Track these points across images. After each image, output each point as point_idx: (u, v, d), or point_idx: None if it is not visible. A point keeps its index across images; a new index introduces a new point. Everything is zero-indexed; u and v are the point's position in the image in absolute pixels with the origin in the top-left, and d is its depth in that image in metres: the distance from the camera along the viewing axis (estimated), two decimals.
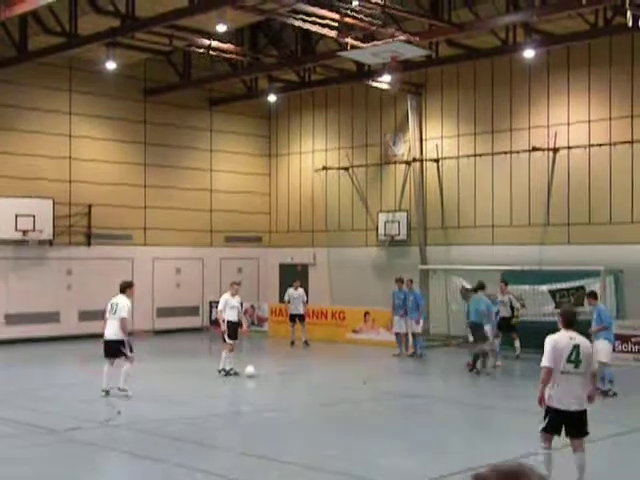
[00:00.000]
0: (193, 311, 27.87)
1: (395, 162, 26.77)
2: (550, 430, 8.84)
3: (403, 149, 26.58)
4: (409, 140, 26.27)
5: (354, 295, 26.74)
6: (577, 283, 20.84)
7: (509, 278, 22.61)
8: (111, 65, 22.46)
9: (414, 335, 21.18)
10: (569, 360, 8.58)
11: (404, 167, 26.57)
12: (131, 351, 15.36)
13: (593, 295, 16.13)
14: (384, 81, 23.89)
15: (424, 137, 26.16)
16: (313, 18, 19.05)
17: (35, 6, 18.76)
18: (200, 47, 22.66)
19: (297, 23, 19.49)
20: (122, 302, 15.57)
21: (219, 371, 17.44)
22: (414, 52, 19.71)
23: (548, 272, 21.62)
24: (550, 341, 8.75)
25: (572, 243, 22.69)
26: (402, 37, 18.99)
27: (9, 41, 22.55)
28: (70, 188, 25.39)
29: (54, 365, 20.00)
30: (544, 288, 21.47)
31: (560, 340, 8.73)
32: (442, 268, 24.50)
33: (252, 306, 27.39)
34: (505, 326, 20.56)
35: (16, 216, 23.45)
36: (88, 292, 25.40)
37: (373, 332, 23.99)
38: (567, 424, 8.75)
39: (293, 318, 23.89)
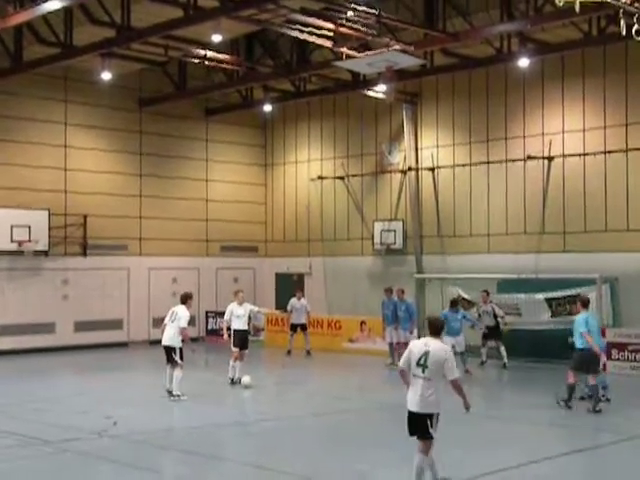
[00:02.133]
0: (190, 321, 27.71)
1: (391, 171, 26.80)
2: (409, 430, 9.16)
3: (398, 158, 26.61)
4: (404, 149, 26.30)
5: (350, 304, 26.73)
6: (573, 291, 20.83)
7: (505, 286, 22.66)
8: (107, 75, 22.47)
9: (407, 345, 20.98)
10: (418, 364, 9.02)
11: (400, 176, 26.59)
12: (181, 359, 15.95)
13: (582, 303, 16.10)
14: (379, 90, 23.93)
15: (419, 146, 26.19)
16: (309, 28, 19.10)
17: (30, 17, 18.78)
18: (195, 57, 22.68)
19: (292, 33, 19.53)
20: (181, 312, 16.40)
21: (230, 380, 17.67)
22: (409, 61, 19.75)
23: (544, 280, 21.63)
24: (410, 345, 9.38)
25: (568, 251, 22.71)
26: (397, 47, 19.02)
27: (4, 51, 22.55)
28: (66, 198, 25.38)
29: (50, 376, 19.94)
30: (540, 296, 21.47)
31: (416, 345, 9.24)
32: (438, 277, 24.50)
33: (248, 316, 27.32)
34: (491, 335, 20.87)
35: (12, 227, 23.42)
36: (84, 302, 25.37)
37: (369, 341, 23.96)
38: (414, 425, 9.10)
39: (295, 327, 23.87)
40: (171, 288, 27.55)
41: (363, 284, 27.11)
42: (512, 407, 15.98)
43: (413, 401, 9.07)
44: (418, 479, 9.12)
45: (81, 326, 25.39)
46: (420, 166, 26.05)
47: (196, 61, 23.09)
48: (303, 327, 23.91)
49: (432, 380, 9.01)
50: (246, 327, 18.44)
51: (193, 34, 20.92)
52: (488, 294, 21.11)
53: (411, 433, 9.17)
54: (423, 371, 9.00)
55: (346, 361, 22.75)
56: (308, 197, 29.09)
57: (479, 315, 21.22)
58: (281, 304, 26.43)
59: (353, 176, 27.74)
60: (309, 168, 29.17)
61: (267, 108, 27.23)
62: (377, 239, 26.65)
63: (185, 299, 16.70)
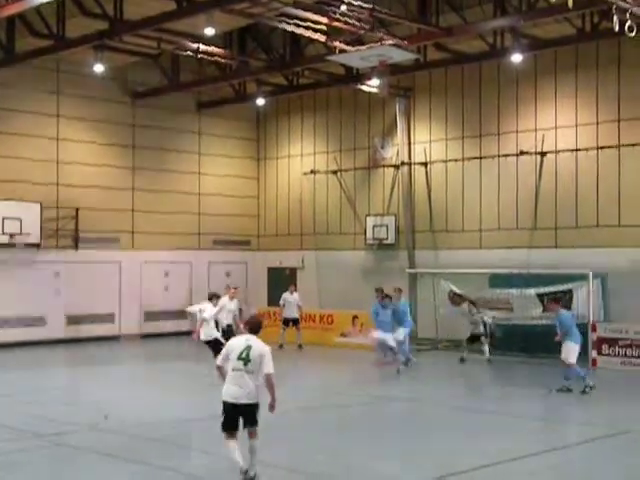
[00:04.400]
0: (181, 315, 27.74)
1: (383, 166, 26.80)
2: (226, 425, 9.49)
3: (391, 153, 26.61)
4: (397, 144, 26.30)
5: (342, 299, 26.73)
6: (564, 286, 20.90)
7: (497, 281, 22.69)
8: (99, 68, 22.39)
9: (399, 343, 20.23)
10: (240, 358, 9.39)
11: (392, 171, 26.60)
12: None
13: (555, 300, 17.04)
14: (372, 85, 23.91)
15: (412, 141, 26.20)
16: (302, 22, 19.07)
17: (23, 8, 18.70)
18: (188, 50, 22.61)
19: (286, 27, 19.50)
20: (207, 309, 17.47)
21: None
22: (402, 56, 19.74)
23: (535, 275, 21.68)
24: (229, 342, 9.77)
25: (559, 247, 22.77)
26: (390, 41, 19.01)
27: None
28: (57, 191, 25.31)
29: (41, 369, 19.91)
30: (532, 292, 21.51)
31: (237, 341, 9.65)
32: (430, 272, 24.53)
33: (240, 309, 27.32)
34: (474, 339, 21.03)
35: (3, 219, 23.35)
36: (75, 296, 25.31)
37: (361, 336, 23.96)
38: (242, 416, 9.46)
39: (287, 322, 23.90)
40: (163, 282, 27.55)
41: (355, 278, 27.12)
42: (497, 400, 16.02)
43: (239, 394, 9.38)
44: (250, 459, 9.51)
45: (73, 319, 25.35)
46: (413, 161, 26.06)
47: (189, 54, 23.02)
48: (295, 321, 23.94)
49: (254, 373, 9.41)
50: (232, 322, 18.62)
51: (186, 27, 20.86)
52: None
53: (235, 425, 9.46)
54: (245, 364, 9.39)
55: (338, 355, 22.78)
56: (301, 191, 29.08)
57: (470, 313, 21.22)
58: (273, 298, 26.44)
59: (346, 170, 27.74)
60: (302, 162, 29.16)
61: (260, 102, 27.18)
62: (369, 234, 26.66)
63: (211, 297, 17.96)
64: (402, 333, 19.91)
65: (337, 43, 19.62)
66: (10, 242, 23.62)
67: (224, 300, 18.63)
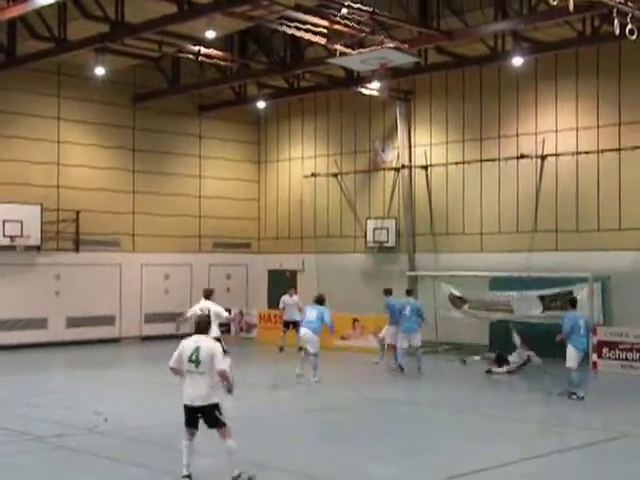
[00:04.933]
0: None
1: (384, 169, 26.81)
2: (187, 424, 9.63)
3: (392, 156, 26.62)
4: (398, 147, 26.31)
5: (342, 302, 26.69)
6: (565, 289, 20.89)
7: (497, 285, 22.69)
8: (100, 71, 22.43)
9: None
10: (190, 360, 9.53)
11: (393, 174, 26.61)
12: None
13: (569, 301, 16.87)
14: (373, 88, 23.93)
15: (413, 144, 26.21)
16: (302, 25, 19.08)
17: (24, 11, 18.72)
18: (189, 53, 22.64)
19: (286, 30, 19.51)
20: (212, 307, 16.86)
21: None
22: (403, 59, 19.76)
23: (536, 279, 21.67)
24: (180, 345, 9.76)
25: (560, 250, 22.76)
26: (391, 44, 19.02)
27: None
28: (58, 194, 25.33)
29: (41, 372, 19.91)
30: (533, 293, 21.50)
31: (187, 343, 9.73)
32: (431, 275, 24.52)
33: (241, 312, 27.36)
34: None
35: (4, 222, 23.38)
36: (76, 298, 25.32)
37: (362, 339, 23.97)
38: (202, 417, 9.59)
39: (287, 324, 23.82)
40: (163, 284, 27.55)
41: (356, 281, 27.12)
42: (497, 404, 16.01)
43: (194, 396, 9.50)
44: (229, 460, 9.54)
45: (73, 322, 25.35)
46: (413, 164, 26.07)
47: (190, 57, 23.05)
48: (295, 324, 23.88)
49: (207, 373, 9.50)
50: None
51: (187, 30, 20.89)
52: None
53: (195, 425, 9.63)
54: (196, 366, 9.51)
55: (338, 358, 22.76)
56: (301, 194, 29.09)
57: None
58: (273, 300, 26.40)
59: (346, 173, 27.75)
60: (302, 165, 29.17)
61: (260, 105, 27.21)
62: (370, 237, 26.66)
63: (210, 294, 17.50)
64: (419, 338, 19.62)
65: (338, 46, 19.61)
66: (11, 244, 23.64)
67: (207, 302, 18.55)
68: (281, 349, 23.16)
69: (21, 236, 23.63)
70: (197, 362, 9.50)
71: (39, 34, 21.41)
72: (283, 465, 10.63)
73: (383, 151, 26.76)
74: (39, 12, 20.16)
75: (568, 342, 15.98)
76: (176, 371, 9.73)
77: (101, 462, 10.86)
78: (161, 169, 27.83)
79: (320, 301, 18.65)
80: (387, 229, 26.33)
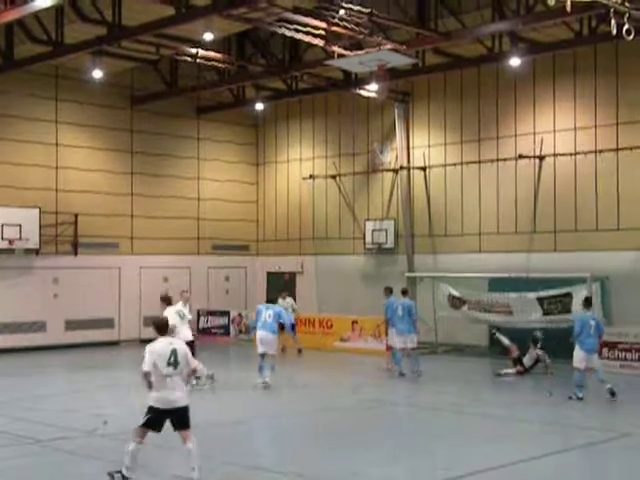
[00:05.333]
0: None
1: (382, 170, 26.81)
2: (151, 426, 9.62)
3: (390, 157, 26.62)
4: (396, 148, 26.32)
5: (341, 303, 26.74)
6: (564, 290, 20.89)
7: (496, 285, 22.69)
8: (98, 74, 22.41)
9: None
10: (169, 363, 9.52)
11: (391, 175, 26.61)
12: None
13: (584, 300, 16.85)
14: (371, 89, 23.94)
15: (411, 145, 26.22)
16: (300, 27, 19.08)
17: (21, 14, 18.70)
18: (187, 55, 22.64)
19: (284, 32, 19.51)
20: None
21: None
22: (401, 60, 19.77)
23: (535, 279, 21.67)
24: (150, 348, 9.60)
25: (559, 250, 22.77)
26: (389, 46, 19.04)
27: None
28: (57, 197, 25.31)
29: (40, 375, 19.89)
30: (531, 295, 21.49)
31: (159, 346, 9.62)
32: (429, 276, 24.52)
33: (240, 314, 27.35)
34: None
35: (2, 225, 23.37)
36: (74, 301, 25.29)
37: (361, 340, 23.96)
38: (173, 419, 9.60)
39: (282, 327, 23.79)
40: (162, 287, 27.48)
41: (355, 283, 27.12)
42: (498, 405, 16.00)
43: (176, 398, 9.55)
44: (194, 462, 9.51)
45: (72, 325, 25.32)
46: (412, 165, 26.08)
47: (188, 59, 23.05)
48: (291, 327, 23.83)
49: (182, 373, 9.67)
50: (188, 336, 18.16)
51: (185, 32, 20.88)
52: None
53: (159, 428, 9.65)
54: (175, 368, 9.56)
55: (337, 360, 22.76)
56: (300, 196, 29.08)
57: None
58: (273, 303, 26.23)
59: (345, 175, 27.75)
60: (301, 167, 29.17)
61: (259, 107, 27.22)
62: (369, 238, 26.66)
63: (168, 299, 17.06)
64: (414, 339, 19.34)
65: (336, 48, 19.62)
66: (9, 248, 23.63)
67: (179, 305, 18.46)
68: (283, 349, 23.08)
69: (20, 239, 23.62)
70: (176, 364, 9.56)
71: (36, 37, 21.40)
72: (279, 467, 10.61)
73: (381, 153, 26.76)
74: (36, 15, 20.13)
75: (576, 342, 15.97)
76: (150, 376, 9.55)
77: (101, 465, 10.84)
78: (159, 171, 27.82)
79: (273, 301, 18.53)
80: (386, 230, 26.33)
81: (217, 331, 27.65)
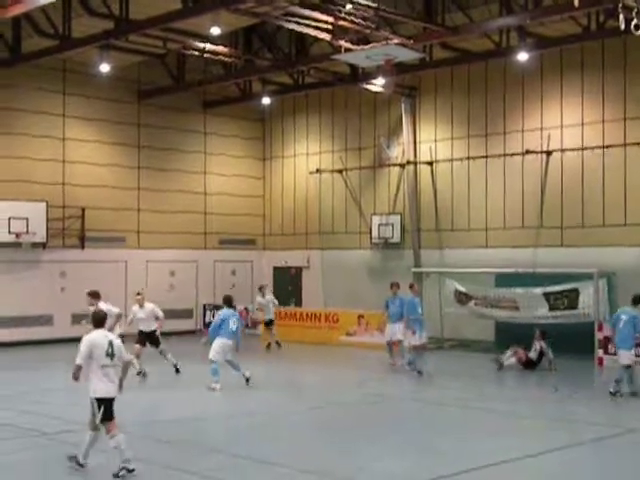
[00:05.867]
0: (187, 314, 27.81)
1: (389, 165, 26.78)
2: (109, 417, 9.92)
3: (397, 152, 26.59)
4: (403, 143, 26.28)
5: (347, 298, 26.73)
6: (570, 286, 20.86)
7: (502, 281, 22.66)
8: (105, 68, 22.44)
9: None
10: (107, 354, 9.86)
11: (398, 170, 26.58)
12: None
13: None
14: (378, 84, 23.91)
15: (418, 140, 26.18)
16: (307, 21, 19.07)
17: (29, 8, 18.74)
18: (194, 50, 22.65)
19: (291, 26, 19.51)
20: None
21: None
22: (408, 55, 19.73)
23: (542, 275, 21.63)
24: (87, 340, 9.89)
25: (565, 245, 22.72)
26: (396, 40, 19.01)
27: (2, 43, 22.51)
28: (63, 191, 25.36)
29: (47, 368, 19.91)
30: (538, 291, 21.45)
31: (97, 338, 9.93)
32: (436, 271, 24.50)
33: (246, 309, 27.36)
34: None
35: (9, 219, 23.41)
36: (81, 295, 25.22)
37: (367, 335, 23.97)
38: (111, 408, 9.96)
39: (267, 323, 23.81)
40: (169, 281, 27.57)
41: (361, 278, 27.11)
42: (504, 400, 15.99)
43: (112, 389, 9.92)
44: (122, 457, 9.79)
45: (79, 318, 25.30)
46: (418, 160, 26.04)
47: (195, 54, 23.06)
48: (271, 322, 23.83)
49: (117, 366, 9.98)
50: (150, 328, 18.14)
51: (192, 27, 20.88)
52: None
53: (110, 418, 9.92)
54: (112, 359, 9.89)
55: (343, 354, 22.77)
56: (306, 190, 29.08)
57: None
58: (279, 297, 26.31)
59: (351, 170, 27.74)
60: (307, 161, 29.15)
61: (265, 101, 27.21)
62: (375, 233, 26.65)
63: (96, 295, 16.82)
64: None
65: (343, 42, 19.60)
66: (16, 241, 23.68)
67: (134, 309, 18.35)
68: (268, 346, 23.06)
69: (27, 233, 23.67)
70: (112, 355, 9.88)
71: (44, 31, 21.43)
72: (285, 461, 10.61)
73: (388, 147, 26.74)
74: (44, 9, 20.19)
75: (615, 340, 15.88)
76: (81, 370, 9.85)
77: (105, 457, 10.88)
78: (166, 166, 27.85)
79: (230, 301, 17.18)
80: (392, 225, 26.32)
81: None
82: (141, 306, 18.28)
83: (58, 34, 21.14)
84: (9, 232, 23.42)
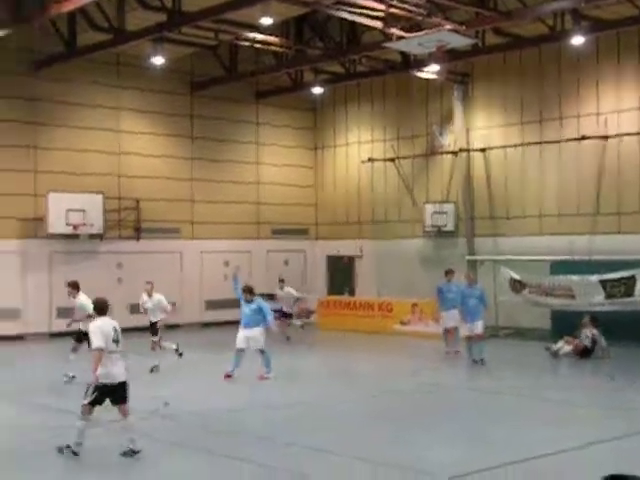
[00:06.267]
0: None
1: (441, 153, 26.60)
2: (96, 403, 10.23)
3: (449, 139, 26.39)
4: (455, 130, 26.07)
5: (401, 287, 26.66)
6: (628, 273, 20.47)
7: (558, 268, 22.36)
8: (158, 60, 22.65)
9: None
10: (114, 340, 10.35)
11: (450, 157, 26.39)
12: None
13: None
14: (430, 71, 23.73)
15: (471, 127, 25.94)
16: (358, 9, 19.01)
17: (84, 2, 19.01)
18: (246, 40, 22.75)
19: (342, 14, 19.46)
20: None
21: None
22: (460, 41, 19.55)
23: (598, 262, 21.28)
24: (96, 327, 10.44)
25: (623, 232, 22.33)
26: (448, 26, 18.83)
27: (58, 38, 22.88)
28: (119, 182, 25.72)
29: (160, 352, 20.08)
30: (594, 278, 21.11)
31: (103, 325, 10.45)
32: (490, 259, 24.29)
33: (299, 298, 27.45)
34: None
35: (67, 211, 23.80)
36: (137, 285, 25.59)
37: (421, 324, 23.88)
38: (113, 394, 10.28)
39: (286, 315, 23.33)
40: (223, 271, 27.78)
41: (414, 266, 27.01)
42: (560, 389, 15.82)
43: (120, 373, 10.32)
44: (131, 439, 10.22)
45: (135, 308, 25.67)
46: (471, 147, 25.81)
47: (246, 44, 23.15)
48: (289, 315, 23.45)
49: (122, 351, 10.45)
50: (155, 318, 18.21)
51: (243, 17, 20.97)
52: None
53: (102, 403, 10.26)
54: (118, 345, 10.40)
55: (397, 343, 22.73)
56: (358, 179, 29.03)
57: None
58: (333, 286, 26.38)
59: (404, 158, 27.61)
60: (359, 150, 29.10)
61: (317, 90, 27.21)
62: (428, 221, 26.50)
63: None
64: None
65: (394, 30, 19.48)
66: (74, 233, 24.09)
67: (143, 298, 18.55)
68: (288, 339, 22.72)
69: (84, 225, 24.06)
70: (118, 341, 10.39)
71: (98, 25, 21.71)
72: (339, 450, 10.65)
73: (440, 135, 26.54)
74: (98, 3, 20.45)
75: None
76: (103, 352, 10.19)
77: (161, 445, 11.04)
78: (219, 156, 28.06)
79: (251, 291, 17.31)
80: (446, 213, 26.15)
81: (276, 314, 27.73)
82: (149, 295, 18.42)
83: (112, 28, 21.41)
84: (67, 224, 23.83)
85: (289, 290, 23.79)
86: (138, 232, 25.89)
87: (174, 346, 18.58)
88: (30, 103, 24.23)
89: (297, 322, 23.95)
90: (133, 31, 21.27)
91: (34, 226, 24.03)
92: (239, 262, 27.83)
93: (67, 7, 19.05)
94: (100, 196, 24.45)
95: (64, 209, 23.75)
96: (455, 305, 19.24)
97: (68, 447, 10.21)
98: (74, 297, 16.68)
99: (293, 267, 29.42)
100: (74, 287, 16.86)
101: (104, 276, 25.11)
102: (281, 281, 23.98)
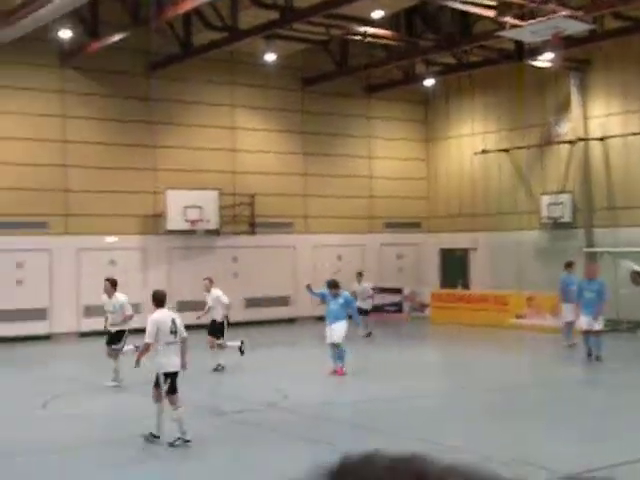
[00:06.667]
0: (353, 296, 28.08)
1: (558, 142, 25.94)
2: (174, 390, 10.58)
3: (566, 129, 25.71)
4: (572, 119, 25.37)
5: (516, 279, 26.18)
6: None
7: None
8: (270, 57, 22.95)
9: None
10: (171, 332, 10.65)
11: (567, 147, 25.70)
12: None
13: None
14: (545, 59, 23.16)
15: (588, 115, 25.19)
16: None
17: (199, 3, 19.43)
18: (356, 34, 22.76)
19: (453, 5, 19.22)
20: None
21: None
22: (577, 27, 18.98)
23: None
24: (153, 320, 10.68)
25: None
26: (564, 12, 18.30)
27: (175, 39, 23.48)
28: (234, 179, 26.21)
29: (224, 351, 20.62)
30: None
31: (161, 317, 10.74)
32: (610, 250, 23.55)
33: (413, 292, 27.37)
34: None
35: (185, 208, 24.43)
36: (253, 280, 26.13)
37: (538, 318, 23.37)
38: (173, 383, 10.61)
39: (361, 312, 22.35)
40: (336, 265, 27.92)
41: (530, 259, 26.47)
42: None
43: (177, 362, 10.67)
44: (180, 429, 10.39)
45: (251, 303, 26.17)
46: (589, 136, 25.06)
47: (357, 38, 23.17)
48: (365, 312, 21.80)
49: (179, 342, 10.76)
50: (219, 318, 17.66)
51: (354, 11, 20.99)
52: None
53: (174, 391, 10.57)
54: (175, 336, 10.68)
55: (514, 337, 22.34)
56: (471, 171, 28.66)
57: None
58: (446, 279, 26.19)
59: (518, 148, 27.06)
60: (472, 142, 28.70)
61: (428, 82, 26.98)
62: (544, 213, 25.91)
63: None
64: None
65: (507, 18, 19.09)
66: (191, 229, 24.70)
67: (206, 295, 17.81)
68: (369, 334, 22.12)
69: (201, 221, 24.64)
70: (176, 332, 10.69)
71: (212, 25, 22.16)
72: (459, 442, 10.55)
73: (557, 124, 25.87)
74: (212, 3, 20.86)
75: None
76: (150, 347, 10.64)
77: (282, 438, 11.20)
78: (330, 151, 28.20)
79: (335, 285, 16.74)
80: (562, 204, 25.50)
81: (390, 308, 27.77)
82: (208, 291, 17.91)
83: (226, 27, 21.81)
84: (185, 220, 24.46)
85: (367, 285, 22.97)
86: (253, 227, 26.31)
87: (238, 343, 17.62)
88: (147, 103, 24.95)
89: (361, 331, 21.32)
90: (246, 29, 21.61)
91: (153, 222, 24.77)
92: (352, 257, 28.07)
93: (183, 8, 19.52)
94: (216, 192, 24.98)
95: (181, 206, 24.38)
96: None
97: (179, 439, 10.41)
98: (110, 296, 15.67)
99: (406, 260, 29.31)
100: (113, 285, 15.71)
101: (220, 271, 25.59)
102: (359, 275, 23.06)
